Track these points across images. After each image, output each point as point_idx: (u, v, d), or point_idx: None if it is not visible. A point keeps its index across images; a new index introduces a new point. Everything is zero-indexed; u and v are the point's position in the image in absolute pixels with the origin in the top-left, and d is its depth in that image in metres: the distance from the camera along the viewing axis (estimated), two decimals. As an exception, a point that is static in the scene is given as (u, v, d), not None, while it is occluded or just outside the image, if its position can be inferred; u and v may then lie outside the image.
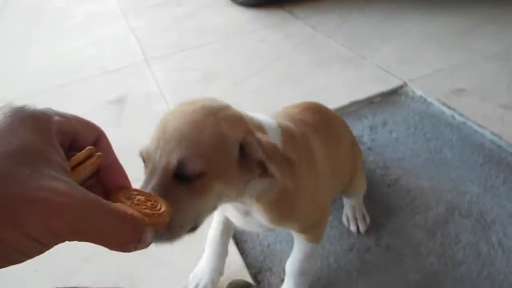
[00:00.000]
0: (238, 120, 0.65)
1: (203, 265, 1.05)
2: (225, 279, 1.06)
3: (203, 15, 2.81)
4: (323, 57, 2.13)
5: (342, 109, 1.71)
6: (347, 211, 1.24)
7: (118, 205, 0.35)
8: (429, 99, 1.72)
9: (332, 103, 1.72)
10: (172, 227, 0.55)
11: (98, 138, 0.42)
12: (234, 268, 1.12)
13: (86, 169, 0.38)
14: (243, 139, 0.62)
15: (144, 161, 0.61)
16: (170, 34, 2.56)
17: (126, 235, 0.33)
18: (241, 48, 2.31)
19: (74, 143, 0.39)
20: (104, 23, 2.83)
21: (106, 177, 0.42)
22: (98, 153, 0.40)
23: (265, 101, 1.78)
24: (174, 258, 1.14)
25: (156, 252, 1.14)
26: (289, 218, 0.81)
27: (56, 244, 0.31)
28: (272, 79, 1.95)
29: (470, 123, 1.55)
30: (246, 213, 0.80)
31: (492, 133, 1.48)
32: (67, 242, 0.31)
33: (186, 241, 1.15)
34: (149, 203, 0.44)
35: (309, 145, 0.84)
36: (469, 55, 2.01)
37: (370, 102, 1.75)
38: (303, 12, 2.70)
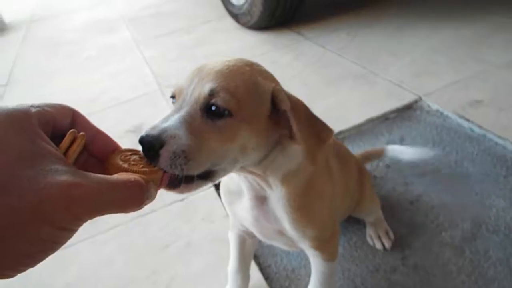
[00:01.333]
0: (272, 76, 0.67)
1: None
2: (251, 307, 1.05)
3: (213, 41, 2.86)
4: (334, 76, 2.14)
5: (357, 127, 1.71)
6: (369, 230, 1.23)
7: (119, 176, 0.38)
8: (445, 113, 1.70)
9: (347, 121, 1.72)
10: (188, 162, 0.53)
11: (73, 117, 0.44)
12: (260, 295, 1.10)
13: (75, 151, 0.41)
14: (273, 89, 0.62)
15: (173, 97, 0.62)
16: (183, 61, 2.60)
17: (135, 198, 0.38)
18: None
19: (54, 129, 0.41)
20: (117, 55, 2.90)
21: (95, 149, 0.45)
22: (81, 133, 0.42)
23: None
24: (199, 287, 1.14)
25: (182, 282, 1.14)
26: (308, 217, 0.77)
27: (81, 226, 0.36)
28: (285, 100, 1.95)
29: (490, 135, 1.53)
30: (262, 200, 0.76)
31: (514, 144, 1.46)
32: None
33: (211, 269, 1.15)
34: (144, 161, 0.47)
35: (326, 154, 0.85)
36: (482, 65, 2.00)
37: (386, 119, 1.75)
38: (312, 32, 2.73)
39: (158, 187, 0.47)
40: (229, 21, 3.09)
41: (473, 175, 1.39)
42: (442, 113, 1.71)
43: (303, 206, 0.75)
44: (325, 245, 0.86)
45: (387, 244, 1.19)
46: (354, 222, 1.27)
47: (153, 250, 1.27)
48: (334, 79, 2.11)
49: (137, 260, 1.25)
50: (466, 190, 1.34)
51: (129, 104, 2.17)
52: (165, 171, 0.51)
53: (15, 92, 2.56)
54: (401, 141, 1.60)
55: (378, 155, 1.38)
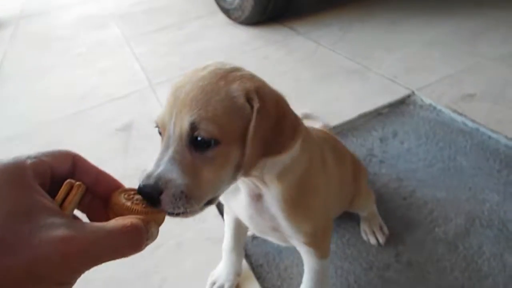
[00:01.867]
0: (249, 78, 0.63)
1: (221, 267, 1.10)
2: (243, 307, 1.03)
3: (205, 37, 2.83)
4: (327, 71, 2.12)
5: (350, 122, 1.69)
6: (363, 225, 1.22)
7: (116, 221, 0.38)
8: (438, 107, 1.69)
9: (339, 117, 1.70)
10: (190, 200, 0.55)
11: (73, 162, 0.44)
12: (252, 294, 1.09)
13: (72, 201, 0.40)
14: (246, 92, 0.59)
15: (160, 132, 0.62)
16: (174, 58, 2.57)
17: (134, 242, 0.38)
18: (244, 66, 2.30)
19: (53, 176, 0.41)
20: (108, 51, 2.86)
21: (99, 190, 0.45)
22: (77, 183, 0.42)
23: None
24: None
25: (174, 282, 1.12)
26: (303, 213, 0.76)
27: (79, 277, 0.35)
28: (277, 96, 1.93)
29: (483, 129, 1.52)
30: (258, 198, 0.76)
31: (507, 137, 1.44)
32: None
33: (203, 269, 1.13)
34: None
35: (322, 148, 0.85)
36: (476, 59, 1.99)
37: (378, 114, 1.73)
38: (304, 27, 2.70)
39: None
40: (221, 17, 3.06)
41: (466, 170, 1.38)
42: (435, 108, 1.70)
43: (298, 202, 0.74)
44: (318, 242, 0.86)
45: (381, 239, 1.18)
46: (347, 219, 1.26)
47: (144, 250, 1.24)
48: (327, 75, 2.08)
49: (128, 261, 1.22)
50: (459, 185, 1.33)
51: (119, 101, 2.14)
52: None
53: (5, 88, 2.52)
54: (394, 136, 1.59)
55: None
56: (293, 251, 1.18)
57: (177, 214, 0.55)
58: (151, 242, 0.40)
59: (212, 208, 1.33)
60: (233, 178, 0.62)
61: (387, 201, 1.31)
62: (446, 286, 1.05)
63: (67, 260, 0.33)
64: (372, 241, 1.19)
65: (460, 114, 1.60)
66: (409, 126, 1.63)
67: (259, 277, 1.13)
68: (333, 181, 0.89)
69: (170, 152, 0.56)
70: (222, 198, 0.85)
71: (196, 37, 2.85)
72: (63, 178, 0.42)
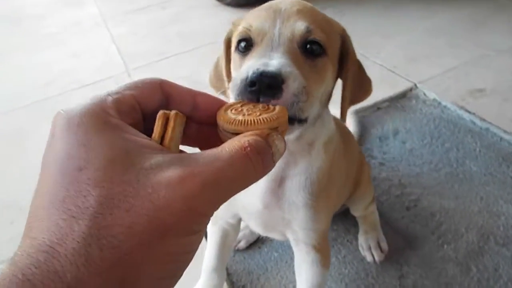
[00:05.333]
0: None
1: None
2: None
3: (189, 18, 2.62)
4: (321, 59, 1.94)
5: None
6: (360, 239, 1.08)
7: (231, 146, 0.30)
8: (443, 103, 1.53)
9: (333, 113, 1.53)
10: (309, 98, 0.50)
11: (163, 89, 0.36)
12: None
13: (174, 136, 0.33)
14: (342, 31, 0.64)
15: (245, 40, 0.57)
16: (154, 40, 2.36)
17: (257, 163, 0.31)
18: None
19: (144, 112, 0.34)
20: (83, 32, 2.63)
21: (201, 115, 0.37)
22: (172, 112, 0.34)
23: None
24: None
25: None
26: (323, 201, 0.71)
27: (208, 222, 0.29)
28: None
29: (493, 129, 1.37)
30: (280, 182, 0.69)
31: (521, 139, 1.30)
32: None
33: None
34: (259, 107, 0.38)
35: (338, 136, 0.79)
36: (482, 50, 1.83)
37: (377, 108, 1.56)
38: (296, 10, 2.51)
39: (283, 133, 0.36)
40: (207, -3, 2.84)
41: (477, 176, 1.23)
42: (440, 103, 1.54)
43: (323, 187, 0.70)
44: (325, 246, 0.79)
45: (378, 258, 1.04)
46: (343, 232, 1.11)
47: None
48: (320, 63, 1.91)
49: None
50: (469, 194, 1.18)
51: (91, 88, 1.93)
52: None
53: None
54: (395, 135, 1.43)
55: None
56: (280, 269, 1.03)
57: (292, 121, 0.49)
58: (279, 157, 0.32)
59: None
60: (319, 110, 0.61)
61: (389, 211, 1.16)
62: (458, 317, 0.91)
63: (193, 203, 0.27)
64: (369, 258, 1.04)
65: (468, 112, 1.45)
66: (412, 123, 1.47)
67: (241, 302, 0.97)
68: (343, 173, 0.82)
69: (280, 50, 0.52)
70: None
71: (179, 18, 2.64)
72: (155, 111, 0.34)
